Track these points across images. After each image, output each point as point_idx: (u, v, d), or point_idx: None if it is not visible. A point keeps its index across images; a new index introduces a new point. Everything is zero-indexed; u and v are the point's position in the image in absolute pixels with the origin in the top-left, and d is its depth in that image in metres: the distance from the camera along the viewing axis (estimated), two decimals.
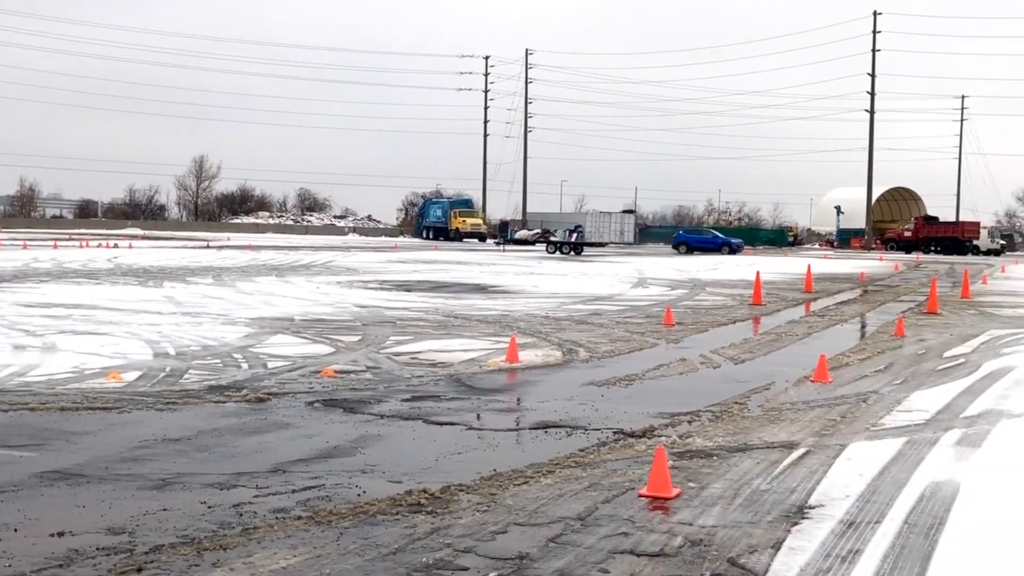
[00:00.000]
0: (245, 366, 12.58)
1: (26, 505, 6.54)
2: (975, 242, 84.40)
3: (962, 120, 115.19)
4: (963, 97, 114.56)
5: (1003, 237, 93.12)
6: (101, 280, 27.58)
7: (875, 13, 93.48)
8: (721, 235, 73.09)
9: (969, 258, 75.15)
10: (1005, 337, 17.55)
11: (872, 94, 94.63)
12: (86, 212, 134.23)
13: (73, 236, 72.72)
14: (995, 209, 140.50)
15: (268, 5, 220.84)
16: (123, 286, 25.55)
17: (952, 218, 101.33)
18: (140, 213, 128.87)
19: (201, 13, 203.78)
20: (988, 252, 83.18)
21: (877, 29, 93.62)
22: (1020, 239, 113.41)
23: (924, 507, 6.81)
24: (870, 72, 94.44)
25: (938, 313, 22.45)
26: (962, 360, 14.45)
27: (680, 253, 67.13)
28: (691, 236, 73.05)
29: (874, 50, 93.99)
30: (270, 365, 12.70)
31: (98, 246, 53.14)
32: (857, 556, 5.78)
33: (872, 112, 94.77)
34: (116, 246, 53.59)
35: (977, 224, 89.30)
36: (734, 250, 67.99)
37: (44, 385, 10.87)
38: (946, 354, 15.19)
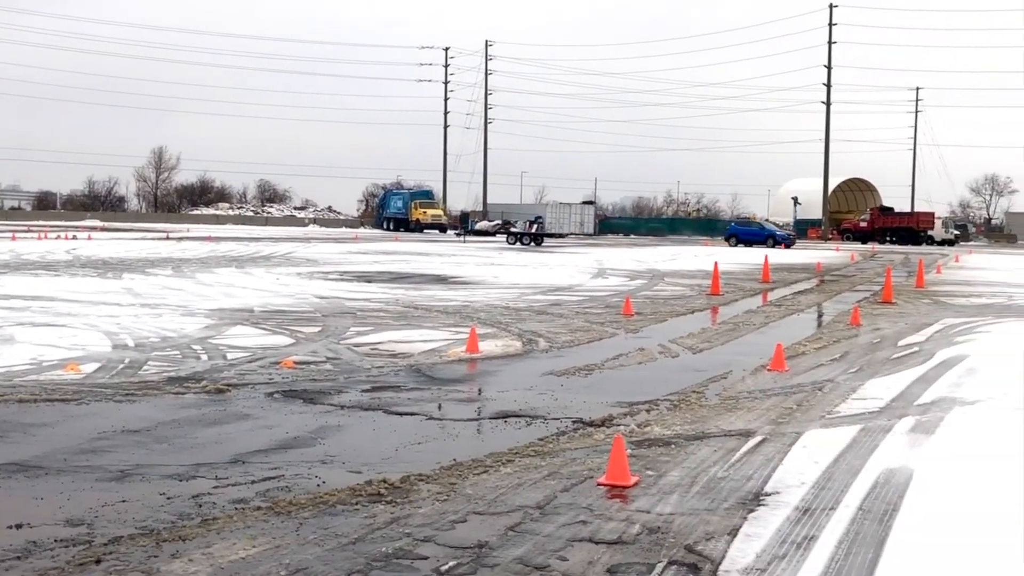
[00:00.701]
0: (204, 357, 12.53)
1: None
2: (930, 232, 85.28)
3: (917, 112, 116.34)
4: (917, 89, 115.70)
5: (957, 227, 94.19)
6: (60, 272, 27.32)
7: (831, 6, 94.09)
8: (768, 227, 72.52)
9: (924, 248, 75.98)
10: (959, 326, 17.79)
11: (828, 86, 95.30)
12: (45, 204, 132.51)
13: (31, 227, 71.83)
14: (949, 200, 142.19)
15: None
16: (82, 278, 25.33)
17: (907, 209, 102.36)
18: (99, 205, 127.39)
19: (160, 4, 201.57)
20: (942, 242, 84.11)
21: (833, 22, 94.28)
22: (974, 229, 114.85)
23: (878, 494, 6.91)
24: (826, 64, 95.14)
25: (893, 302, 22.71)
26: (916, 349, 14.63)
27: (731, 245, 67.08)
28: (741, 229, 72.81)
29: (830, 42, 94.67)
30: (229, 356, 12.66)
31: (57, 238, 52.54)
32: (812, 542, 5.86)
33: (828, 104, 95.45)
34: (75, 238, 52.99)
35: (932, 214, 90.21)
36: (779, 242, 67.06)
37: (2, 377, 10.76)
38: (900, 343, 15.38)
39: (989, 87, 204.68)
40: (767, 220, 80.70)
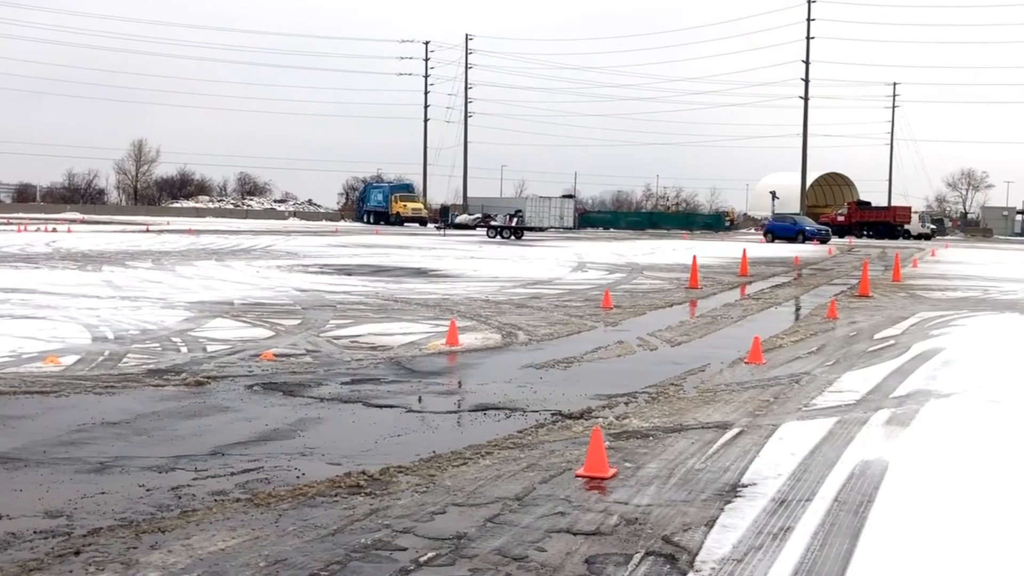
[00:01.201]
0: (184, 350, 12.52)
1: None
2: (906, 226, 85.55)
3: (894, 107, 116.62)
4: (895, 84, 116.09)
5: (933, 222, 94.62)
6: (39, 264, 27.19)
7: (809, 1, 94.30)
8: (800, 223, 72.30)
9: (900, 242, 76.23)
10: (934, 319, 17.92)
11: (806, 81, 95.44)
12: (24, 196, 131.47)
13: (11, 220, 71.26)
14: (926, 194, 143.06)
15: None
16: (62, 270, 25.22)
17: (884, 203, 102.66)
18: (79, 197, 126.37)
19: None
20: (919, 236, 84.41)
21: (811, 16, 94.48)
22: (950, 224, 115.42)
23: (853, 485, 6.98)
24: (804, 59, 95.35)
25: (870, 296, 22.84)
26: (892, 342, 14.74)
27: (767, 241, 67.14)
28: (777, 225, 72.74)
29: (808, 37, 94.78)
30: (209, 349, 12.65)
31: (36, 230, 52.22)
32: (788, 533, 5.92)
33: (806, 99, 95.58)
34: (55, 230, 52.69)
35: (908, 209, 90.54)
36: (809, 237, 67.05)
37: None
38: (877, 336, 15.48)
39: (966, 83, 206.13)
40: (799, 215, 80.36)
